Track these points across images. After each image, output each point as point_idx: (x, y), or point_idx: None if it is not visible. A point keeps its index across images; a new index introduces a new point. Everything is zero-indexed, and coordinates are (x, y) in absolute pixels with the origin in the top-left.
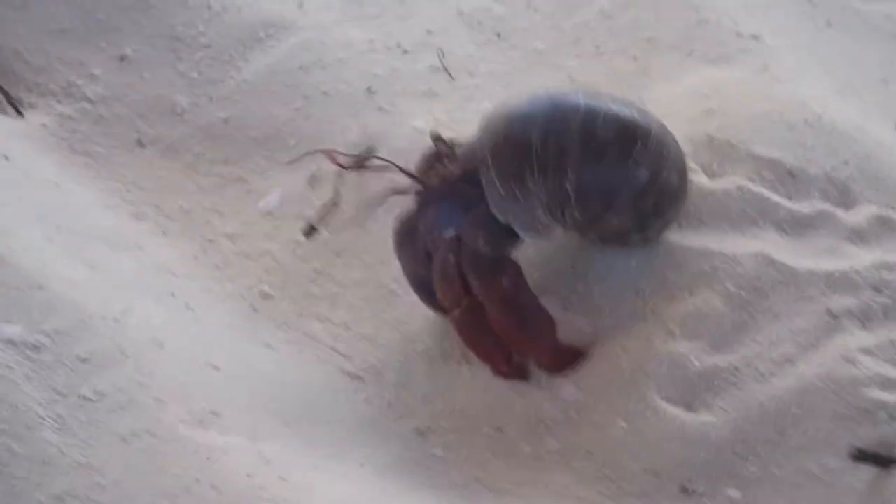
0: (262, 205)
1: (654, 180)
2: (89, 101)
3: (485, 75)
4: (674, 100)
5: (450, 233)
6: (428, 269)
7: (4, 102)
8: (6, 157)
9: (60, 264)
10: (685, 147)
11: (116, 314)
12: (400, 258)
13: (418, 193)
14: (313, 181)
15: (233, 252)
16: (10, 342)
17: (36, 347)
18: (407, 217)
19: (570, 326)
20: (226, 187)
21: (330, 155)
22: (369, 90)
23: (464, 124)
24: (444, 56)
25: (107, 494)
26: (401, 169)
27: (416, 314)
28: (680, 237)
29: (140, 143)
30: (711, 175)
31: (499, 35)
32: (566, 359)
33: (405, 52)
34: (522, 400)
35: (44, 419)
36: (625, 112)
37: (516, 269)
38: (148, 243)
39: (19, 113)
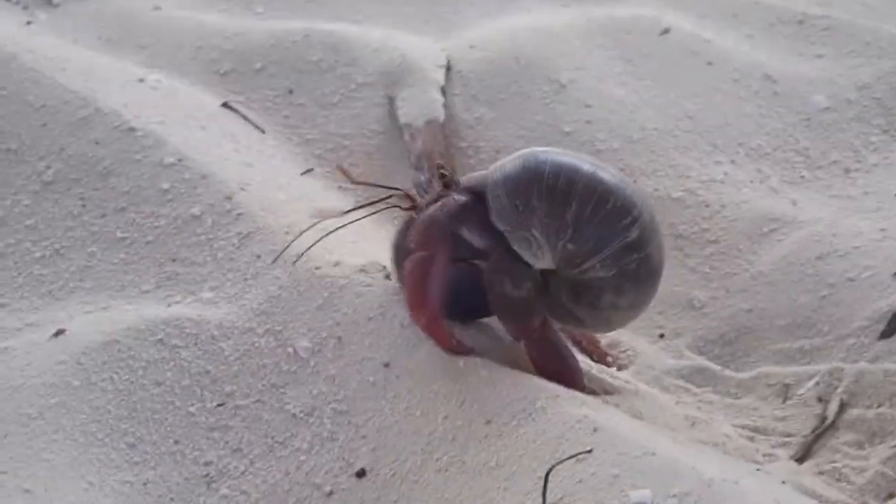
0: None
1: (643, 245)
2: None
3: None
4: None
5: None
6: None
7: None
8: None
9: None
10: None
11: (734, 479)
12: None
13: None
14: None
15: None
16: None
17: None
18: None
19: None
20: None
21: (343, 171)
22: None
23: None
24: None
25: None
26: (401, 190)
27: None
28: None
29: None
30: None
31: None
32: None
33: None
34: None
35: None
36: (629, 188)
37: (542, 315)
38: None
39: None
